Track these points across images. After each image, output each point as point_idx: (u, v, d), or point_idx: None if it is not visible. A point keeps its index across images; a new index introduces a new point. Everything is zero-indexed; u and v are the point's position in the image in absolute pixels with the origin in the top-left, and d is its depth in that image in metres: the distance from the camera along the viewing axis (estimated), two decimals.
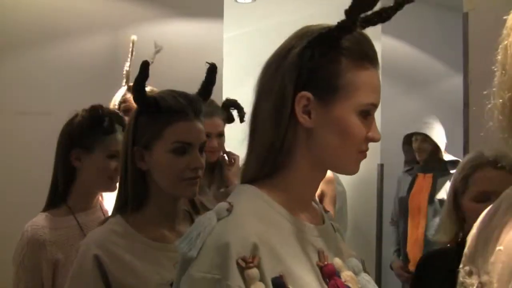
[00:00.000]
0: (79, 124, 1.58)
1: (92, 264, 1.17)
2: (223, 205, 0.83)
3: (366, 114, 0.86)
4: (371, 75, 0.86)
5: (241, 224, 0.80)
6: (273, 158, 0.87)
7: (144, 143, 1.25)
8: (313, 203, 0.98)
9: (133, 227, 1.24)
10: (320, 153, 0.87)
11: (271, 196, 0.87)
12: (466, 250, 0.88)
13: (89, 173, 1.59)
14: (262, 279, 0.76)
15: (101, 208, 1.68)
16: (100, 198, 1.71)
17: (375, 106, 0.87)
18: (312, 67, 0.84)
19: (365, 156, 0.89)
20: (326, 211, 1.03)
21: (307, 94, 0.84)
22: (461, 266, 0.88)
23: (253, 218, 0.82)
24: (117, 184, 1.60)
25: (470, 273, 0.84)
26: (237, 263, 0.75)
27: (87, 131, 1.57)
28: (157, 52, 1.70)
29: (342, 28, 0.83)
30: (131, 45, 1.94)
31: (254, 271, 0.75)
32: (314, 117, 0.85)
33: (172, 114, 1.24)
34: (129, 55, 1.94)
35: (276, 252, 0.80)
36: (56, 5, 2.57)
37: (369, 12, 0.85)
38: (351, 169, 0.89)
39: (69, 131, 1.60)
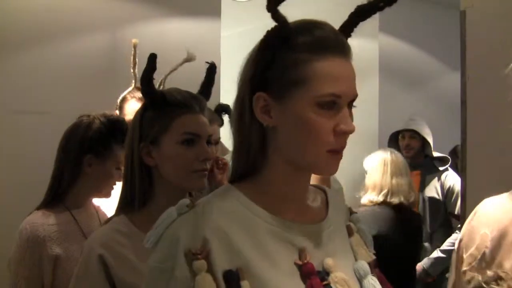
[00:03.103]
0: (99, 130, 1.58)
1: (97, 264, 1.17)
2: (184, 201, 0.86)
3: (329, 105, 0.82)
4: (329, 65, 0.82)
5: (195, 220, 0.83)
6: (245, 158, 0.87)
7: (152, 138, 1.25)
8: (318, 202, 0.95)
9: (137, 226, 1.23)
10: (289, 151, 0.85)
11: (247, 196, 0.87)
12: (474, 251, 0.83)
13: (97, 180, 1.60)
14: (210, 271, 0.79)
15: (93, 205, 1.70)
16: None
17: (337, 96, 0.81)
18: (264, 68, 0.84)
19: (340, 157, 0.84)
20: (353, 212, 1.01)
21: (263, 94, 0.84)
22: (466, 268, 0.81)
23: (214, 214, 0.83)
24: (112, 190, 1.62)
25: (499, 279, 0.77)
26: (185, 255, 0.80)
27: (105, 139, 1.58)
28: (188, 60, 1.67)
29: (275, 27, 0.84)
30: (133, 49, 1.93)
31: (200, 263, 0.79)
32: (274, 115, 0.84)
33: (179, 108, 1.25)
34: (131, 58, 1.93)
35: (237, 248, 0.81)
36: (55, 4, 2.56)
37: None
38: (323, 169, 0.85)
39: (87, 135, 1.57)
